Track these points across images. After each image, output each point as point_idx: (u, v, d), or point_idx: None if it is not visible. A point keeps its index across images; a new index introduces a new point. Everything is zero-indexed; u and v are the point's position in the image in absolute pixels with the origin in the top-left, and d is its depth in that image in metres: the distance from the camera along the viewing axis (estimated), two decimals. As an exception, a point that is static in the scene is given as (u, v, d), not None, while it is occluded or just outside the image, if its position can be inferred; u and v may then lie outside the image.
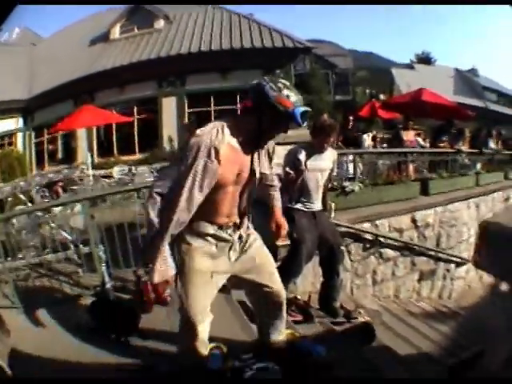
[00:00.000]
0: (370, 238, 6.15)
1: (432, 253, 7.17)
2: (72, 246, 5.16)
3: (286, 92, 2.29)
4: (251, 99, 2.37)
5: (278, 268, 3.06)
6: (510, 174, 11.33)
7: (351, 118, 9.66)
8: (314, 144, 4.13)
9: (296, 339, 3.21)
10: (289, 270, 4.06)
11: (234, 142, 2.35)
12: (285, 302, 2.93)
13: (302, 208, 4.18)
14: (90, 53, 18.30)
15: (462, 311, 6.91)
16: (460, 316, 6.65)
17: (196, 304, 2.53)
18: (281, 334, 3.06)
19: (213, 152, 2.25)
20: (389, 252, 6.45)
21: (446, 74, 30.47)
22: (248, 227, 2.71)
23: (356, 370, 3.10)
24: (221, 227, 2.53)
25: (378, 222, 6.23)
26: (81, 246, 4.95)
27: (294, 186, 4.10)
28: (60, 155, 18.43)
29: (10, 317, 4.05)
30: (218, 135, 2.28)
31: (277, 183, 2.94)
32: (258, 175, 2.55)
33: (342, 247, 4.71)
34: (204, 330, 2.63)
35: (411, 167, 8.37)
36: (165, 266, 2.35)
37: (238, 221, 2.62)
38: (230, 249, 2.60)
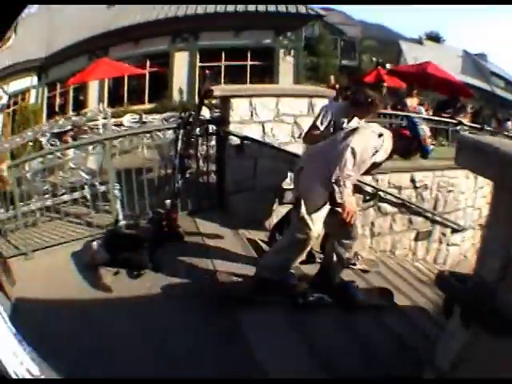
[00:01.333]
0: (370, 191, 6.28)
1: (429, 214, 7.26)
2: (87, 187, 5.33)
3: (427, 134, 3.71)
4: (409, 131, 3.70)
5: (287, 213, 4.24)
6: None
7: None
8: (354, 114, 4.25)
9: (346, 282, 4.13)
10: None
11: (388, 147, 3.65)
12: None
13: None
14: (108, 13, 18.09)
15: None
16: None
17: (315, 229, 3.60)
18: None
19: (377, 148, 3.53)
20: (387, 207, 6.62)
21: (454, 54, 29.98)
22: None
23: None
24: None
25: (379, 176, 6.36)
26: (97, 184, 5.17)
27: (314, 140, 4.25)
28: (71, 107, 18.29)
29: (18, 265, 4.23)
30: (387, 141, 3.60)
31: None
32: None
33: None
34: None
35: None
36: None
37: None
38: None
